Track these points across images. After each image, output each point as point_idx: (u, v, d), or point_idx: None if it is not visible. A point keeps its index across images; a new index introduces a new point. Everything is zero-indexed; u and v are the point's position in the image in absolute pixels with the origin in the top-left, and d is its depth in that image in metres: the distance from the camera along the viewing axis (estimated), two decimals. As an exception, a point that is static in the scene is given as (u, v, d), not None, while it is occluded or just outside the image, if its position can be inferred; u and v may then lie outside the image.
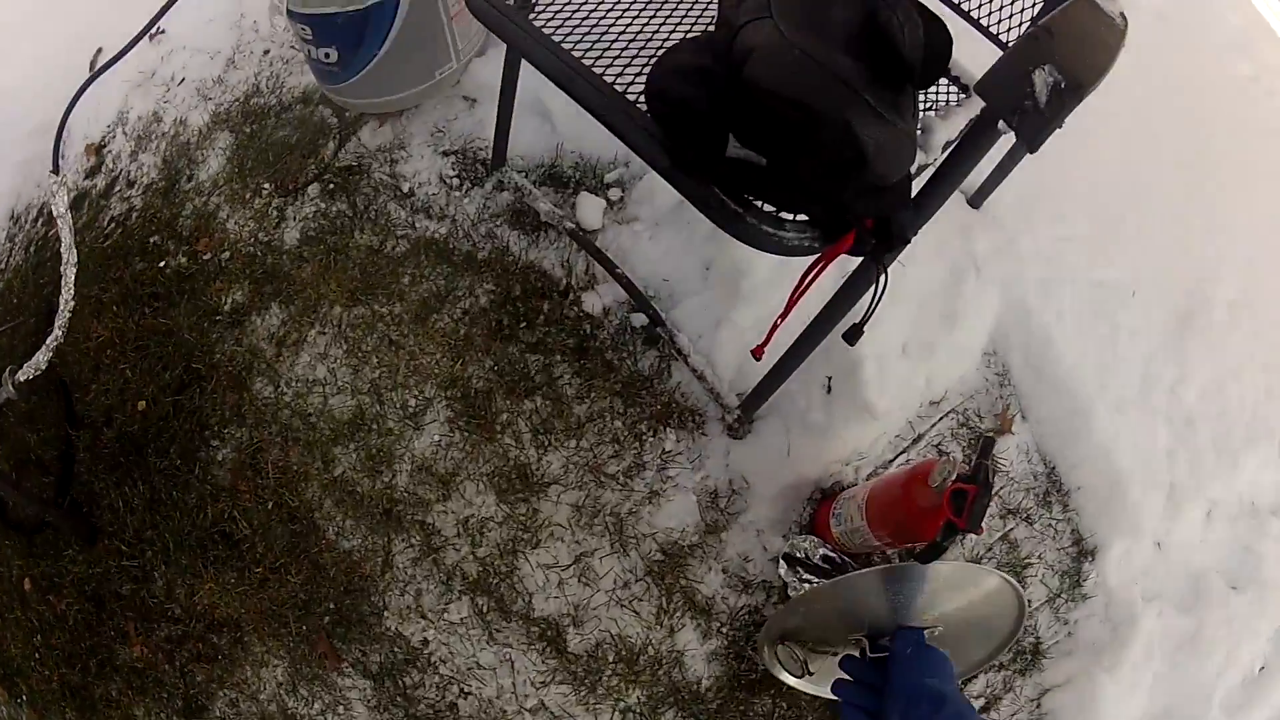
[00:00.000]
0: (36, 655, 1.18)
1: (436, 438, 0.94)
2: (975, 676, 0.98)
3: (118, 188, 1.25)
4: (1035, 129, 0.53)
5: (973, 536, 1.02)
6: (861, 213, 0.63)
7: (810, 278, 0.70)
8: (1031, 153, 0.55)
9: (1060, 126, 0.53)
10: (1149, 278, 1.21)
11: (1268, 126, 1.49)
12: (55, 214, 1.09)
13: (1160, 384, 1.16)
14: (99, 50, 1.42)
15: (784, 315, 0.75)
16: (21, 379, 1.10)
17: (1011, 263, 1.12)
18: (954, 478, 0.73)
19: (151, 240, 1.15)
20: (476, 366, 0.96)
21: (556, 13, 0.79)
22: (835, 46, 0.59)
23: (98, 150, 1.34)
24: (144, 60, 1.37)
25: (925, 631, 0.77)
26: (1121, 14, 0.62)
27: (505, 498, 0.92)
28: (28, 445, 1.19)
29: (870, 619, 0.78)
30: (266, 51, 1.27)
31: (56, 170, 1.12)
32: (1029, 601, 0.99)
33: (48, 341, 1.09)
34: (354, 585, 0.94)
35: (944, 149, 0.77)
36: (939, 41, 0.63)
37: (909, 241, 0.65)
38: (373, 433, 0.96)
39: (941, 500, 0.73)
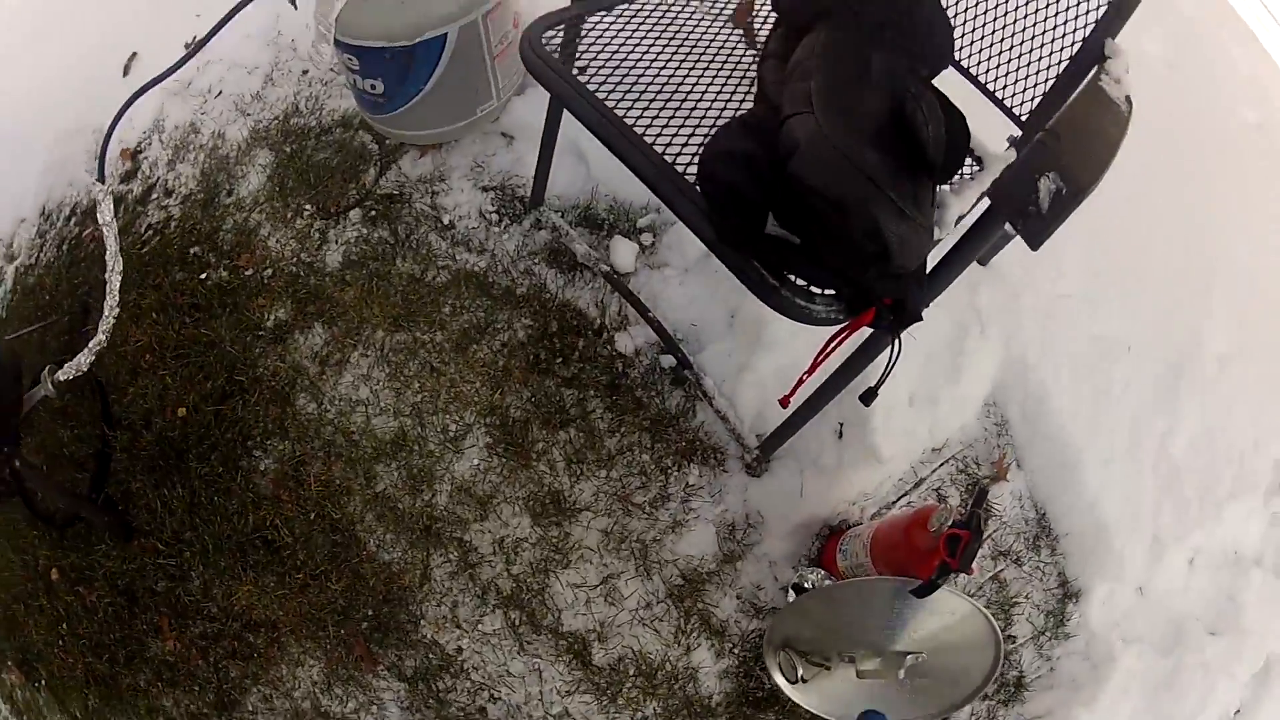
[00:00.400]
0: (60, 642, 1.34)
1: (476, 462, 1.11)
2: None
3: (155, 195, 1.40)
4: (1037, 231, 0.65)
5: (965, 575, 1.21)
6: (881, 294, 0.79)
7: (834, 345, 0.87)
8: (1033, 250, 0.70)
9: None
10: (1144, 332, 1.39)
11: (1270, 175, 1.67)
12: (100, 222, 1.23)
13: (1149, 436, 1.35)
14: (133, 55, 1.56)
15: (809, 372, 0.91)
16: (61, 378, 1.25)
17: (1013, 318, 1.30)
18: (949, 524, 0.90)
19: (191, 251, 1.30)
20: (515, 397, 1.13)
21: (608, 76, 0.93)
22: (867, 138, 0.74)
23: (133, 155, 1.47)
24: (180, 69, 1.50)
25: (910, 657, 0.96)
26: (1127, 98, 0.77)
27: (539, 521, 1.10)
28: (60, 441, 1.34)
29: (864, 636, 0.97)
30: (305, 72, 1.41)
31: (102, 179, 1.25)
32: (1007, 640, 1.19)
33: (90, 344, 1.23)
34: (393, 595, 1.11)
35: (957, 223, 0.92)
36: (959, 137, 0.79)
37: (921, 319, 0.81)
38: (414, 453, 1.12)
39: (938, 543, 0.90)
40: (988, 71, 0.97)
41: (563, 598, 1.09)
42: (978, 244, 0.78)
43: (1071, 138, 0.71)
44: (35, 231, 1.53)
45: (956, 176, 1.00)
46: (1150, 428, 1.34)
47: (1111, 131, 0.76)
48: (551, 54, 0.90)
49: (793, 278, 0.78)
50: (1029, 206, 0.64)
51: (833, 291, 0.79)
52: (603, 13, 1.00)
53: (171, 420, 1.23)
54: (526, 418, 1.12)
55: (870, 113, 0.77)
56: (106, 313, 1.21)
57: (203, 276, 1.27)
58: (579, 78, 0.92)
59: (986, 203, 0.74)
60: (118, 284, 1.21)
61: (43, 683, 1.39)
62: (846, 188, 0.71)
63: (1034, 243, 0.68)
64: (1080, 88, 0.79)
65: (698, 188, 0.79)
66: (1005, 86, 0.97)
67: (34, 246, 1.52)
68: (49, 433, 1.34)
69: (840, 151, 0.71)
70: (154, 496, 1.24)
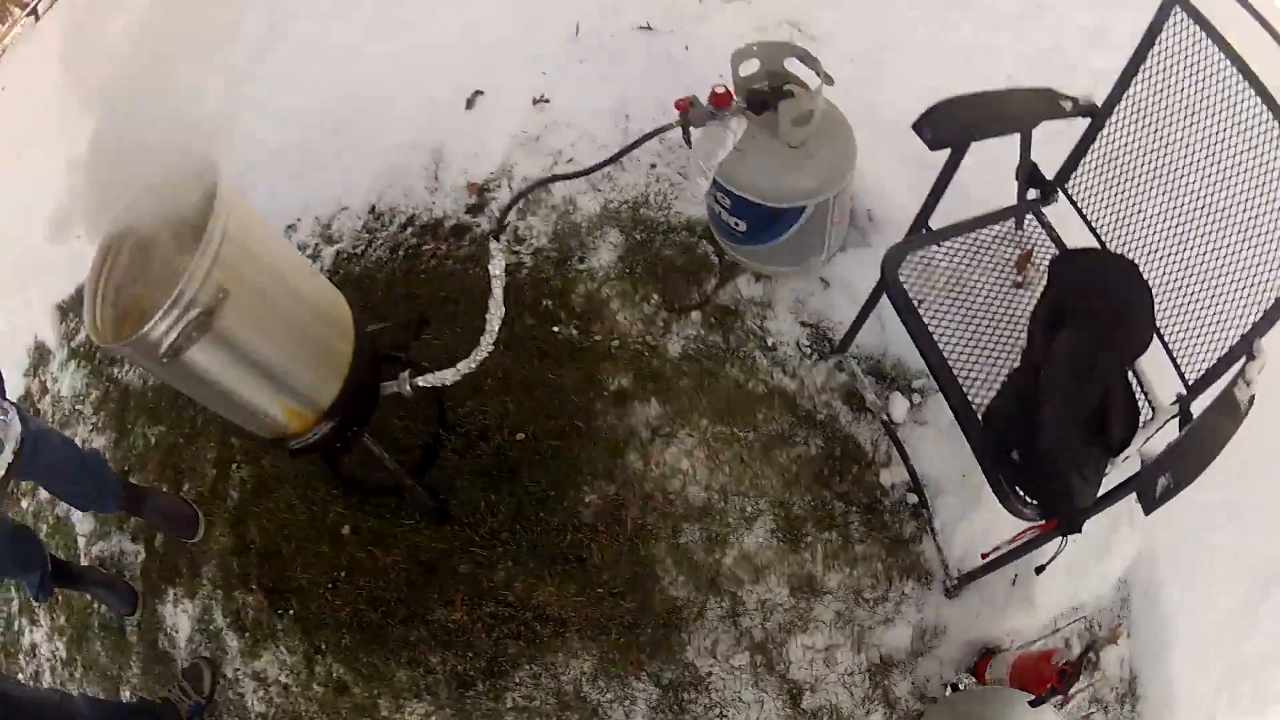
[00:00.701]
0: (331, 586, 2.28)
1: (760, 539, 2.13)
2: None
3: (503, 238, 2.32)
4: (1148, 507, 1.74)
5: (1066, 704, 2.27)
6: (1061, 515, 1.84)
7: (1028, 533, 1.91)
8: (1145, 515, 1.75)
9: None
10: (1250, 545, 2.48)
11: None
12: (492, 274, 2.16)
13: (1227, 636, 2.46)
14: (478, 92, 2.48)
15: (1009, 543, 1.96)
16: (421, 384, 2.18)
17: (1156, 519, 2.38)
18: (1064, 662, 1.96)
19: (544, 303, 2.26)
20: (799, 497, 2.14)
21: (920, 286, 1.94)
22: (1080, 424, 1.79)
23: (480, 191, 2.41)
24: (527, 122, 2.45)
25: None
26: (1251, 398, 1.80)
27: (794, 593, 2.12)
28: (389, 427, 2.28)
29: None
30: (653, 165, 2.39)
31: (497, 238, 2.18)
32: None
33: (459, 365, 2.17)
34: (671, 621, 2.11)
35: (1124, 459, 1.97)
36: (1133, 428, 1.85)
37: (1081, 532, 1.85)
38: (715, 521, 2.13)
39: (1053, 674, 1.95)
40: (1172, 338, 1.99)
41: (795, 653, 2.12)
42: (1114, 500, 1.82)
43: (1193, 449, 1.73)
44: (362, 226, 2.45)
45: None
46: (1229, 630, 2.46)
47: (1225, 433, 1.79)
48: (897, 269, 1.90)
49: (1017, 488, 1.81)
50: (1150, 488, 1.71)
51: (1036, 503, 1.82)
52: (935, 245, 2.02)
53: (510, 441, 2.20)
54: (804, 515, 2.14)
55: (1086, 402, 1.83)
56: (483, 345, 2.17)
57: (554, 330, 2.23)
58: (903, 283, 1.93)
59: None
60: (497, 326, 2.16)
61: (290, 612, 2.33)
62: (1061, 461, 1.76)
63: (1146, 512, 1.73)
64: (1217, 394, 1.81)
65: (979, 415, 1.81)
66: (1182, 353, 1.97)
67: (359, 239, 2.44)
68: (380, 417, 2.26)
69: (1065, 439, 1.75)
70: (480, 497, 2.20)
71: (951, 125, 1.85)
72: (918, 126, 1.81)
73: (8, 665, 2.94)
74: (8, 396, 2.14)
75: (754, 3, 2.68)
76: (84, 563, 2.80)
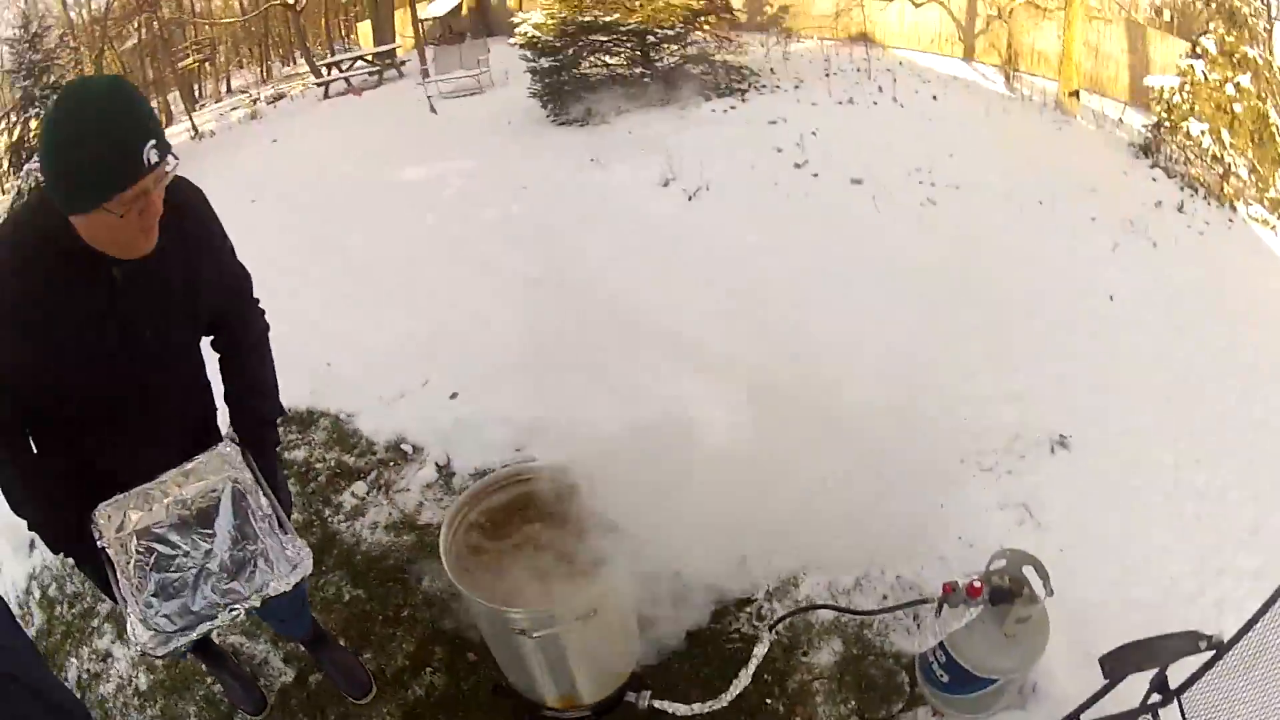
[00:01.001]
0: None
1: None
2: None
3: (747, 610, 3.00)
4: None
5: None
6: None
7: None
8: None
9: None
10: None
11: None
12: (755, 654, 2.83)
13: None
14: None
15: None
16: (656, 706, 2.81)
17: None
18: None
19: (765, 676, 2.90)
20: None
21: None
22: None
23: (744, 604, 3.10)
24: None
25: None
26: None
27: None
28: (596, 718, 2.91)
29: None
30: (885, 597, 3.05)
31: (771, 629, 2.84)
32: None
33: (695, 707, 2.80)
34: None
35: None
36: None
37: None
38: None
39: None
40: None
41: None
42: None
43: None
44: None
45: None
46: None
47: None
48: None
49: None
50: None
51: None
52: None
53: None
54: None
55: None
56: (722, 699, 2.80)
57: (767, 700, 2.86)
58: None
59: None
60: (737, 692, 2.78)
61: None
62: None
63: None
64: None
65: None
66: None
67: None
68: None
69: None
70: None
71: (1123, 664, 2.58)
72: (1102, 663, 2.50)
73: (72, 649, 3.28)
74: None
75: (1002, 479, 3.56)
76: (215, 638, 3.10)
